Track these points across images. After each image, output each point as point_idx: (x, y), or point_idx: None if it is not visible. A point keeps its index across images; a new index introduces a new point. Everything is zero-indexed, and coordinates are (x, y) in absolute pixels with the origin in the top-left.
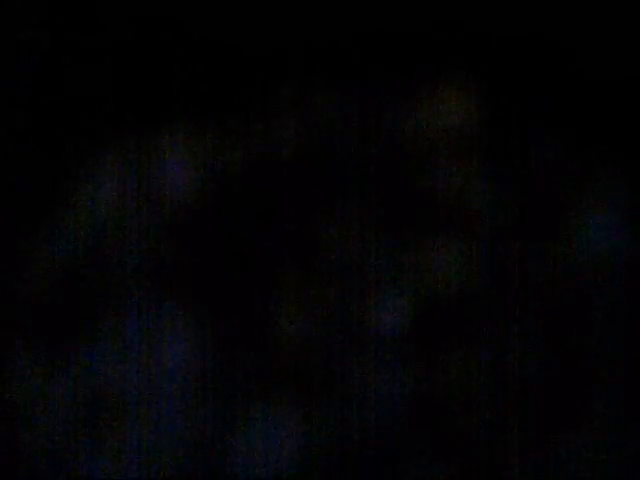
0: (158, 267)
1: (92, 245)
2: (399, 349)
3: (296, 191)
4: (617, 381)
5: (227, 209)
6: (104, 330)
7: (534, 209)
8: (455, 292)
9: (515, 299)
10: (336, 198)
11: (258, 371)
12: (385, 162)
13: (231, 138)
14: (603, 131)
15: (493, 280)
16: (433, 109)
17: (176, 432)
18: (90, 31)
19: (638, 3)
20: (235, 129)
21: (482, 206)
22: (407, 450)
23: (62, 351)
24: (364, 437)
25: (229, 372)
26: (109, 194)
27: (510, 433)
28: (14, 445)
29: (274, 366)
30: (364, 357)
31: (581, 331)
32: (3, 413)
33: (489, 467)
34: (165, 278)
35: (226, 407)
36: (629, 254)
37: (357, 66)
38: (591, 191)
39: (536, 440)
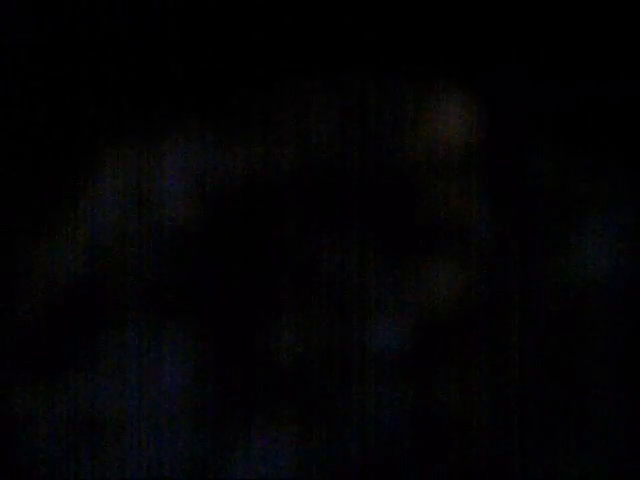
0: (157, 288)
1: (91, 265)
2: (399, 368)
3: (295, 211)
4: (617, 397)
5: (226, 229)
6: (103, 351)
7: (533, 228)
8: (454, 311)
9: (514, 317)
10: (335, 219)
11: (258, 392)
12: (385, 182)
13: (231, 150)
14: (603, 148)
15: (492, 299)
16: (433, 127)
17: (176, 452)
18: (89, 35)
19: (636, 10)
20: (235, 142)
21: (481, 225)
22: (407, 469)
23: (62, 372)
24: (364, 456)
25: (229, 393)
26: (108, 212)
27: (510, 450)
28: (14, 465)
29: (274, 386)
30: (364, 376)
31: (581, 349)
32: (3, 432)
33: None
34: (164, 299)
35: (226, 427)
36: (628, 270)
37: (357, 79)
38: (591, 208)
39: (536, 458)
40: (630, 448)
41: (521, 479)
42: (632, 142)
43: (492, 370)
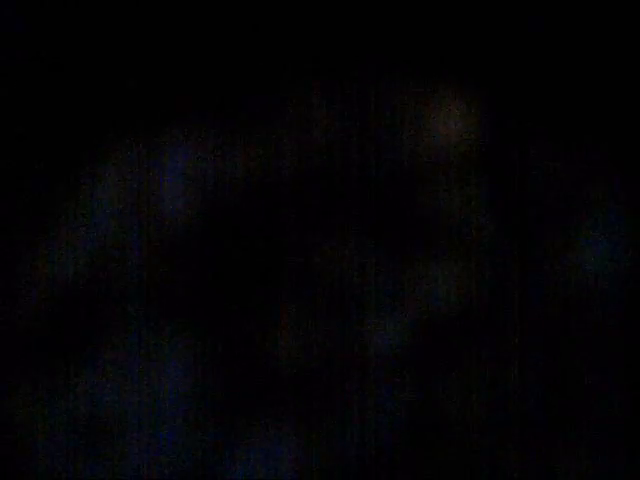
0: (158, 288)
1: (91, 266)
2: (399, 369)
3: (295, 212)
4: (616, 399)
5: (226, 230)
6: (104, 351)
7: (533, 229)
8: (454, 312)
9: (515, 319)
10: (336, 218)
11: (258, 391)
12: (385, 182)
13: (232, 151)
14: (603, 150)
15: (492, 300)
16: (434, 128)
17: (175, 453)
18: (91, 35)
19: (636, 13)
20: (236, 143)
21: (482, 226)
22: (406, 470)
23: (62, 372)
24: (364, 456)
25: (229, 393)
26: (108, 212)
27: (510, 451)
28: (14, 466)
29: (274, 387)
30: (364, 376)
31: (581, 351)
32: (4, 435)
33: None
34: (164, 299)
35: (226, 428)
36: (628, 271)
37: (356, 82)
38: (591, 212)
39: (535, 458)
40: (630, 449)
41: (521, 479)
42: (632, 145)
43: (492, 370)
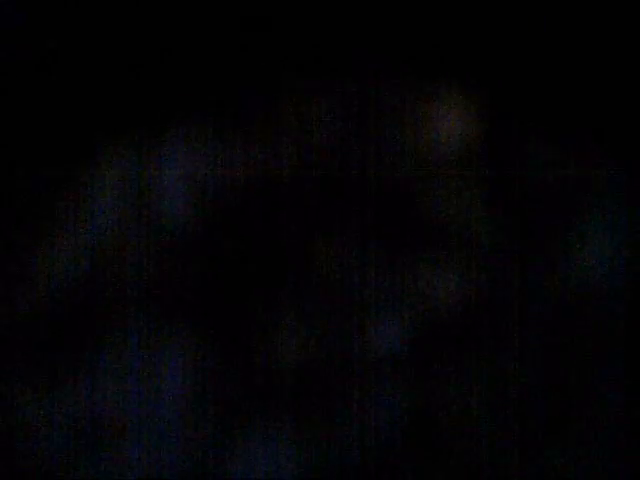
0: (158, 290)
1: (91, 267)
2: (399, 371)
3: (295, 213)
4: (617, 400)
5: (226, 231)
6: (104, 352)
7: (533, 230)
8: (454, 313)
9: (514, 320)
10: (336, 219)
11: (257, 392)
12: (385, 182)
13: (232, 152)
14: (604, 151)
15: (492, 301)
16: (434, 128)
17: (176, 456)
18: (90, 34)
19: (636, 11)
20: (236, 143)
21: (481, 227)
22: (407, 473)
23: (62, 373)
24: (363, 459)
25: (228, 396)
26: (107, 214)
27: (510, 453)
28: (14, 472)
29: (274, 389)
30: (364, 376)
31: (580, 353)
32: (3, 435)
33: None
34: (164, 300)
35: (226, 428)
36: (629, 273)
37: (356, 81)
38: (592, 211)
39: (536, 460)
40: (630, 450)
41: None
42: (633, 145)
43: (493, 373)
